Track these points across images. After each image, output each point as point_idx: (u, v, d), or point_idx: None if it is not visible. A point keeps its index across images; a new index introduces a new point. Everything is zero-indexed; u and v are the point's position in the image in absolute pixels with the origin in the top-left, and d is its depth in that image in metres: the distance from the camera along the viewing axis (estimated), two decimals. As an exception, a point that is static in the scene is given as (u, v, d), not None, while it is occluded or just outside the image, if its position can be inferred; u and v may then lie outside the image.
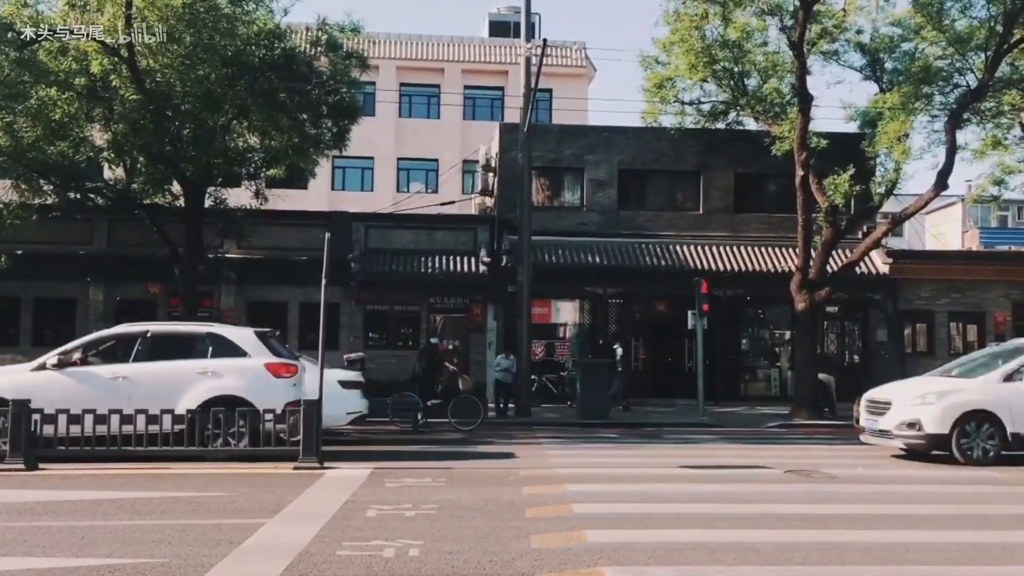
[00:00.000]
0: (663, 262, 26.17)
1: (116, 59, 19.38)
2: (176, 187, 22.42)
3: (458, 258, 26.01)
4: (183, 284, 22.08)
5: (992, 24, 21.92)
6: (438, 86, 39.58)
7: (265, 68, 20.73)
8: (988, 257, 31.02)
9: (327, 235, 13.47)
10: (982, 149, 24.04)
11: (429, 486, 10.66)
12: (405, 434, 17.82)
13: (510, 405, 21.95)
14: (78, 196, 22.19)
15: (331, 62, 21.97)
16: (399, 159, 38.98)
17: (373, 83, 34.81)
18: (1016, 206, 49.69)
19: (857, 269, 24.41)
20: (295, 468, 11.83)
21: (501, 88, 39.39)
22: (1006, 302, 27.26)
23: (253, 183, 23.08)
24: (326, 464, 12.01)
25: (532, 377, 23.27)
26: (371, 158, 37.96)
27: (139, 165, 21.57)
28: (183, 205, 22.35)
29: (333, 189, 38.08)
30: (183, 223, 22.13)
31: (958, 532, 8.43)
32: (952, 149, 22.32)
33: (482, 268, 25.64)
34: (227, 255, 24.90)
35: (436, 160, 38.22)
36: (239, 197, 23.47)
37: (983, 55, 22.33)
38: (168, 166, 20.97)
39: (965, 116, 22.93)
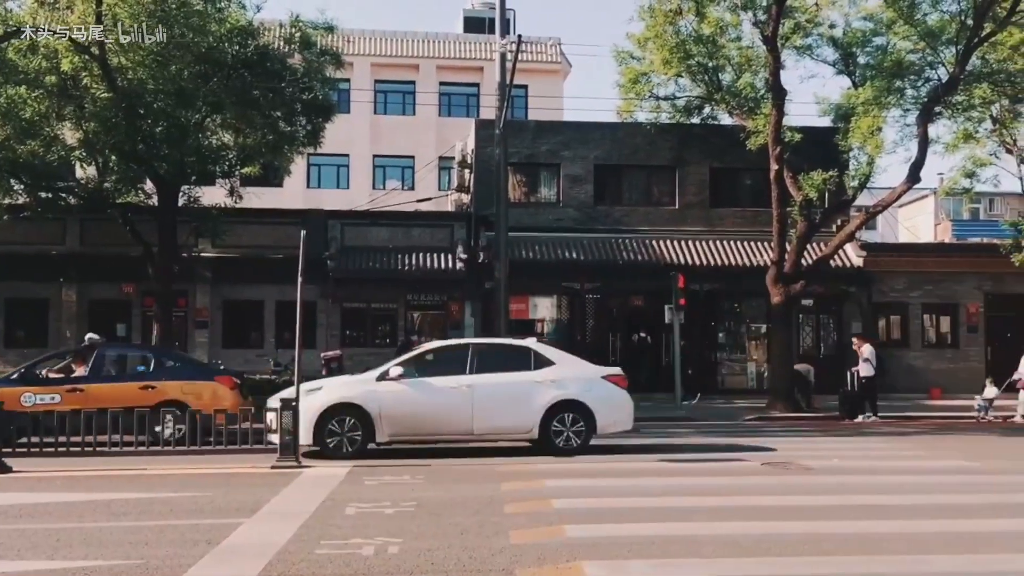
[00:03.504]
0: (640, 257, 26.26)
1: (87, 57, 19.17)
2: (149, 186, 22.25)
3: (435, 255, 25.98)
4: (157, 284, 21.89)
5: (963, 18, 22.12)
6: (413, 83, 39.47)
7: (238, 65, 20.59)
8: (960, 249, 31.36)
9: (303, 233, 13.42)
10: (954, 142, 24.29)
11: (408, 483, 10.65)
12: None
13: (488, 401, 21.92)
14: (49, 195, 21.96)
15: (305, 59, 21.87)
16: (375, 156, 38.84)
17: (348, 80, 34.66)
18: (987, 198, 50.26)
19: (832, 262, 24.60)
20: (273, 467, 11.79)
21: (476, 84, 39.35)
22: (978, 293, 27.59)
23: (227, 181, 22.90)
24: (304, 463, 11.96)
25: (510, 373, 23.23)
26: (346, 155, 37.83)
27: (111, 164, 21.36)
28: (156, 204, 22.17)
29: (308, 187, 37.91)
30: (156, 222, 21.96)
31: (932, 521, 8.52)
32: (924, 143, 22.52)
33: (459, 265, 25.62)
34: (202, 254, 24.74)
35: (412, 157, 38.11)
36: (213, 195, 23.32)
37: (954, 49, 22.53)
38: (141, 164, 20.78)
39: (937, 110, 23.12)
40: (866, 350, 20.51)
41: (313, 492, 9.92)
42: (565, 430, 13.22)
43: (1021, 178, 25.83)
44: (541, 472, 11.37)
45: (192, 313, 25.61)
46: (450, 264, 25.71)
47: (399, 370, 13.29)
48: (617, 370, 14.42)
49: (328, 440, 12.84)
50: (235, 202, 23.05)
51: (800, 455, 13.26)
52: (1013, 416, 20.28)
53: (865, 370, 20.31)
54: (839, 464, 12.53)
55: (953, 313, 27.75)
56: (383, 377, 13.29)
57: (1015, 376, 21.05)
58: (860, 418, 19.92)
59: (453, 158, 30.42)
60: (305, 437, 12.64)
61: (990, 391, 20.42)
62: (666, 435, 16.70)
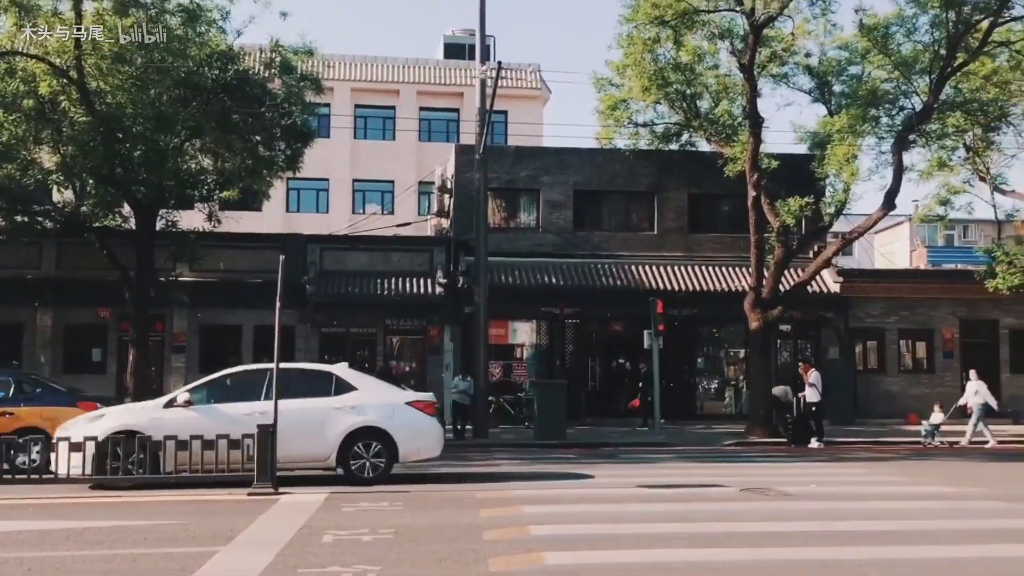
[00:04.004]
0: (619, 282, 26.34)
1: (65, 80, 19.12)
2: (127, 209, 22.14)
3: (414, 279, 25.95)
4: (134, 308, 21.73)
5: (936, 48, 22.46)
6: (393, 108, 39.55)
7: (218, 90, 20.58)
8: (935, 275, 31.67)
9: (281, 257, 13.37)
10: (928, 170, 24.62)
11: (386, 510, 10.57)
12: (361, 457, 17.61)
13: (467, 427, 21.89)
14: (26, 219, 21.83)
15: (285, 84, 21.91)
16: (354, 181, 38.83)
17: (328, 105, 34.69)
18: (961, 225, 50.86)
19: (809, 288, 24.76)
20: (249, 494, 11.67)
21: (456, 110, 39.50)
22: (953, 319, 27.84)
23: (206, 205, 22.85)
24: (281, 489, 11.86)
25: (490, 398, 23.23)
26: (326, 180, 37.81)
27: (88, 187, 21.29)
28: (134, 228, 22.06)
29: (288, 211, 37.82)
30: (134, 246, 21.83)
31: (909, 547, 8.54)
32: (899, 170, 22.79)
33: (438, 289, 25.60)
34: (179, 278, 24.59)
35: (392, 182, 38.12)
36: (192, 219, 23.22)
37: (927, 78, 22.86)
38: (118, 188, 20.71)
39: (911, 138, 23.43)
40: (812, 376, 20.59)
41: (290, 519, 9.83)
42: (365, 458, 12.83)
43: (994, 206, 26.15)
44: (520, 499, 11.33)
45: (169, 338, 25.42)
46: (429, 289, 25.69)
47: (187, 396, 12.95)
48: (424, 396, 14.12)
49: (110, 469, 12.14)
50: (214, 226, 22.98)
51: (779, 481, 13.29)
52: (959, 442, 20.28)
53: (811, 395, 20.38)
54: (817, 490, 12.56)
55: (929, 339, 27.98)
56: (171, 404, 12.94)
57: (961, 402, 21.23)
58: (813, 443, 19.92)
59: (433, 183, 30.46)
60: (85, 467, 11.97)
61: (936, 416, 20.53)
62: (643, 461, 16.69)
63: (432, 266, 26.23)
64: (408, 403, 13.44)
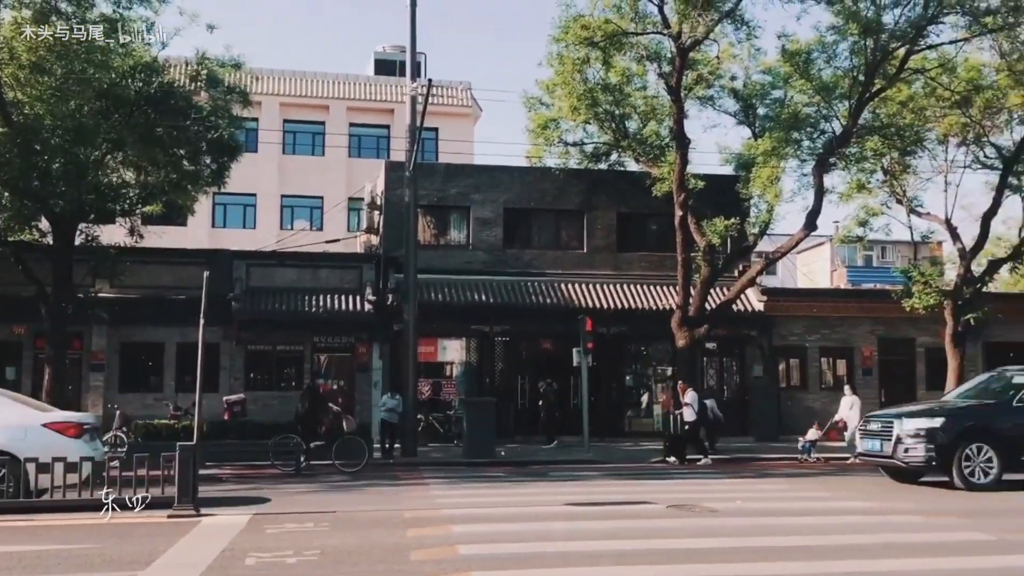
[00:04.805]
0: (548, 300, 26.45)
1: (-20, 91, 18.52)
2: (44, 223, 21.46)
3: (343, 297, 25.70)
4: (50, 325, 21.03)
5: (855, 74, 23.15)
6: (323, 123, 39.25)
7: (141, 102, 20.15)
8: (855, 295, 32.51)
9: (206, 273, 13.15)
10: (848, 192, 25.33)
11: (311, 531, 10.39)
12: (287, 477, 17.35)
13: (396, 445, 21.68)
14: (-63, 232, 21.00)
15: (211, 97, 21.55)
16: (283, 196, 38.35)
17: (256, 119, 34.27)
18: (880, 246, 52.28)
19: (734, 306, 25.19)
20: (169, 516, 11.35)
21: (387, 126, 39.36)
22: (872, 338, 28.59)
23: (128, 220, 22.27)
24: (203, 511, 11.57)
25: (419, 416, 23.07)
26: (254, 195, 37.29)
27: (3, 200, 20.55)
28: (51, 242, 21.39)
29: (214, 226, 37.18)
30: (51, 261, 21.16)
31: (833, 562, 8.68)
32: (820, 192, 23.38)
33: (367, 307, 25.38)
34: (99, 294, 23.87)
35: (321, 198, 37.77)
36: (113, 234, 22.63)
37: (847, 103, 23.52)
38: (36, 201, 20.05)
39: (832, 161, 24.06)
40: (689, 396, 20.85)
41: (211, 542, 9.59)
42: None
43: (910, 227, 26.94)
44: (447, 518, 11.24)
45: (87, 356, 24.69)
46: (358, 306, 25.45)
47: None
48: (65, 415, 13.29)
49: None
50: (136, 241, 22.41)
51: (705, 497, 13.42)
52: (848, 459, 20.26)
53: (688, 415, 20.66)
54: (742, 506, 12.71)
55: (849, 356, 28.67)
56: None
57: (836, 418, 21.75)
58: (703, 460, 20.06)
59: (363, 199, 30.26)
60: None
61: (813, 433, 20.93)
62: (572, 479, 16.73)
63: (361, 283, 26.01)
64: (45, 424, 12.66)
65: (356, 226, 35.05)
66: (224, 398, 22.96)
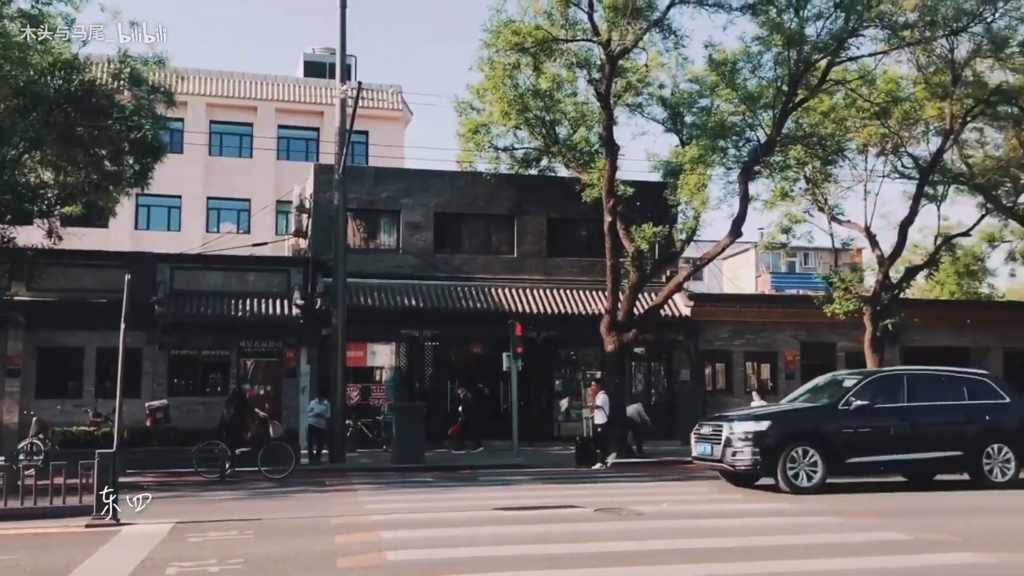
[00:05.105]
0: (479, 305, 26.46)
1: None
2: (-44, 224, 20.70)
3: (270, 301, 25.34)
4: (-37, 329, 20.32)
5: (779, 84, 23.64)
6: (251, 124, 38.66)
7: (61, 100, 19.57)
8: (778, 300, 33.21)
9: (127, 276, 12.88)
10: (771, 200, 25.84)
11: (236, 539, 10.20)
12: (211, 484, 17.03)
13: (324, 451, 21.44)
14: None
15: (134, 96, 21.03)
16: (209, 198, 37.68)
17: (181, 120, 33.63)
18: (803, 253, 53.62)
19: (662, 311, 25.51)
20: (87, 526, 11.05)
21: (316, 129, 38.94)
22: (795, 342, 29.24)
23: (46, 221, 21.61)
24: (123, 520, 11.28)
25: (347, 422, 22.86)
26: (179, 196, 36.56)
27: (-87, 200, 19.80)
28: (-36, 244, 20.65)
29: (137, 228, 36.36)
30: (-36, 263, 20.44)
31: (757, 563, 8.84)
32: (745, 199, 23.81)
33: (295, 311, 25.07)
34: (15, 298, 23.12)
35: (248, 200, 37.21)
36: (30, 235, 21.94)
37: (771, 113, 24.02)
38: (-53, 201, 19.37)
39: (756, 169, 24.50)
40: (600, 398, 21.16)
41: (131, 552, 9.35)
42: None
43: (831, 235, 27.63)
44: (376, 524, 11.15)
45: (3, 361, 23.90)
46: (286, 310, 25.13)
47: None
48: None
49: None
50: (54, 243, 21.75)
51: (632, 500, 13.55)
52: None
53: (599, 417, 20.95)
54: (668, 509, 12.86)
55: (772, 360, 29.27)
56: None
57: None
58: (598, 465, 20.28)
59: (291, 202, 29.89)
60: None
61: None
62: (501, 483, 16.75)
63: (289, 287, 25.68)
64: None
65: (284, 229, 34.58)
66: (146, 404, 22.42)
